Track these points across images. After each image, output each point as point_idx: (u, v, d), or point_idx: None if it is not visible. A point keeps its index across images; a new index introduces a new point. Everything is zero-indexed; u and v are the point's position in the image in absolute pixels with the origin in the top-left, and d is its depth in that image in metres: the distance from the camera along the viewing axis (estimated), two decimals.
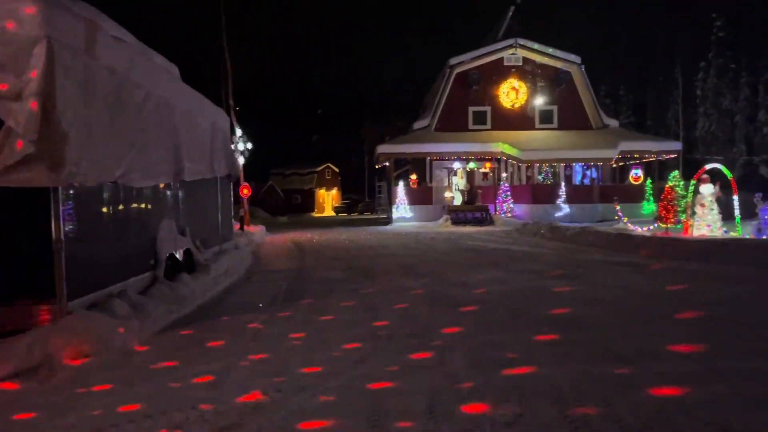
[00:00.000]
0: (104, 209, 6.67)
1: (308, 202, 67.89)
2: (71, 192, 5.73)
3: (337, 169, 73.86)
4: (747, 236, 13.49)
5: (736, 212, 14.90)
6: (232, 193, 14.99)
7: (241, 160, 25.53)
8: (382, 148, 31.78)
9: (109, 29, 6.73)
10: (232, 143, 23.66)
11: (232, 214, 15.50)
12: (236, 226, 19.97)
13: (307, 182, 69.64)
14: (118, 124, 6.47)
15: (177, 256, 8.89)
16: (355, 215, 54.91)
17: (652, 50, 49.43)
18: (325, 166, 71.58)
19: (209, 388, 4.30)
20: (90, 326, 5.39)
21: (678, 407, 3.58)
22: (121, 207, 7.10)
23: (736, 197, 14.98)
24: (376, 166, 38.83)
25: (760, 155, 39.87)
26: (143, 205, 7.90)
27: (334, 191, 73.54)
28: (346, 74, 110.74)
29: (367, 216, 49.38)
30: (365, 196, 66.54)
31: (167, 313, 7.03)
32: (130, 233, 7.34)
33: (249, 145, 26.66)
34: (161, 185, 8.54)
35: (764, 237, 13.19)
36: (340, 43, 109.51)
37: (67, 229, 5.57)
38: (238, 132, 25.96)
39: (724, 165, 16.14)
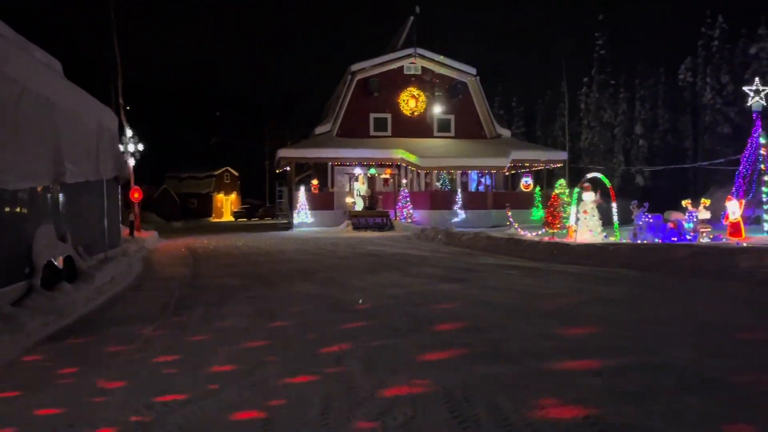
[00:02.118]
0: None
1: (206, 206, 65.66)
2: None
3: (236, 173, 72.03)
4: (624, 241, 14.57)
5: (615, 218, 16.07)
6: (120, 196, 14.21)
7: (131, 162, 24.30)
8: (284, 153, 31.40)
9: None
10: (122, 144, 22.48)
11: (121, 219, 14.70)
12: (125, 231, 18.96)
13: (204, 186, 67.34)
14: None
15: (56, 263, 8.28)
16: (255, 220, 53.80)
17: (542, 65, 52.37)
18: (223, 169, 69.59)
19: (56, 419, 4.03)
20: None
21: (557, 403, 3.78)
22: None
23: (614, 204, 16.16)
24: (277, 171, 38.25)
25: (636, 165, 43.27)
26: (18, 209, 7.30)
27: (233, 196, 71.67)
28: (246, 76, 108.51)
29: (268, 221, 48.55)
30: (266, 201, 65.41)
31: (43, 325, 6.52)
32: (2, 238, 6.75)
33: (140, 146, 25.41)
34: (39, 188, 7.94)
35: (639, 241, 14.31)
36: (241, 45, 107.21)
37: None
38: (129, 132, 24.70)
39: (605, 174, 17.37)
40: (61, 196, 8.85)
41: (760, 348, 5.04)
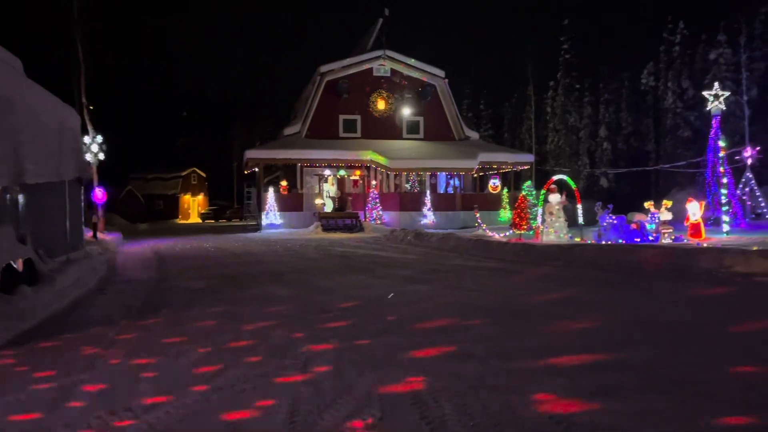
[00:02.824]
0: None
1: (172, 208, 64.56)
2: None
3: (203, 174, 71.00)
4: (589, 241, 14.84)
5: (580, 219, 16.36)
6: (83, 197, 13.89)
7: (94, 163, 23.78)
8: (252, 154, 31.14)
9: None
10: (84, 144, 22.01)
11: (83, 220, 14.37)
12: (88, 233, 18.55)
13: (170, 187, 66.20)
14: None
15: (16, 266, 8.05)
16: (222, 222, 53.17)
17: (509, 68, 53.08)
18: (190, 170, 68.52)
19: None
20: None
21: (523, 403, 3.83)
22: None
23: (580, 206, 16.45)
24: (246, 172, 37.86)
25: (600, 168, 44.14)
26: None
27: (201, 197, 70.64)
28: (214, 77, 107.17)
29: (236, 223, 48.03)
30: (234, 203, 64.68)
31: (4, 329, 6.33)
32: None
33: (104, 147, 24.89)
34: None
35: (603, 242, 14.60)
36: (209, 44, 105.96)
37: None
38: (92, 132, 24.16)
39: (570, 176, 17.68)
40: (20, 197, 8.62)
41: (719, 346, 5.19)
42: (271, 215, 29.16)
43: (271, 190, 29.87)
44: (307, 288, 9.54)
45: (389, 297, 8.25)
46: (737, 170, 24.99)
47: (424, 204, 29.28)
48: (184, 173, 67.31)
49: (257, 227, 30.55)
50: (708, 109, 17.73)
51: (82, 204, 13.81)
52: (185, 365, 5.02)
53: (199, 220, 58.70)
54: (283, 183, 32.42)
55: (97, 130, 24.73)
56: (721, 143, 17.57)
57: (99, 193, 23.28)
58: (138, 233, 31.28)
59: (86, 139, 23.00)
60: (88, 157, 22.99)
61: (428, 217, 28.73)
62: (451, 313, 7.03)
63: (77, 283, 9.87)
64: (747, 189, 24.37)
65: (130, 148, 62.52)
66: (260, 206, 30.75)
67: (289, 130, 33.38)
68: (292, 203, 30.25)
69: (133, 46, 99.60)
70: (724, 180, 17.42)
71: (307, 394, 4.14)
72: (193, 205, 68.30)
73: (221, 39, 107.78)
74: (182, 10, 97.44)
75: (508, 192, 30.66)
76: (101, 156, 24.52)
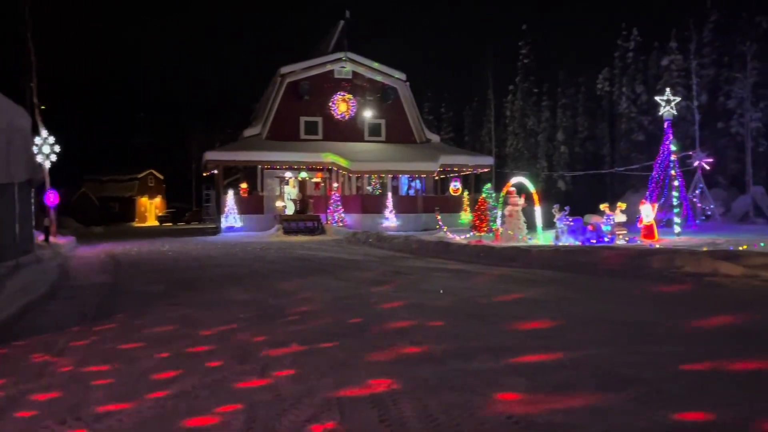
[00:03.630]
0: None
1: (128, 210, 63.11)
2: None
3: (161, 176, 69.62)
4: (546, 243, 15.11)
5: (538, 221, 16.64)
6: (33, 200, 13.44)
7: (46, 164, 23.04)
8: (211, 155, 30.69)
9: None
10: (36, 145, 21.32)
11: (34, 224, 13.90)
12: (40, 237, 17.96)
13: (127, 189, 64.70)
14: None
15: None
16: (181, 225, 52.23)
17: (470, 72, 53.67)
18: (147, 172, 67.12)
19: None
20: None
21: (482, 403, 3.87)
22: None
23: (538, 208, 16.74)
24: (205, 174, 37.29)
25: (558, 171, 45.04)
26: None
27: (158, 199, 69.23)
28: (172, 77, 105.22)
29: (195, 226, 47.25)
30: (193, 205, 63.60)
31: None
32: None
33: (57, 148, 24.12)
34: None
35: (560, 243, 14.88)
36: (167, 45, 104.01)
37: None
38: (44, 133, 23.41)
39: (529, 179, 17.97)
40: None
41: (671, 344, 5.34)
42: (231, 218, 28.77)
43: (231, 192, 29.48)
44: (268, 291, 9.44)
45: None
46: (688, 173, 25.88)
47: (385, 206, 29.34)
48: (141, 175, 65.92)
49: (217, 230, 30.10)
50: (660, 114, 18.26)
51: (33, 207, 13.35)
52: (140, 372, 4.89)
53: (157, 223, 57.52)
54: (244, 185, 32.04)
55: (51, 130, 23.95)
56: (673, 147, 18.13)
57: (51, 196, 22.55)
58: (92, 237, 30.43)
59: (38, 140, 22.26)
60: (40, 158, 22.26)
61: (390, 219, 28.80)
62: (413, 314, 7.05)
63: (27, 289, 9.53)
64: (697, 191, 25.24)
65: (85, 150, 60.96)
66: (220, 209, 30.31)
67: (249, 132, 33.01)
68: (252, 206, 29.92)
69: (90, 45, 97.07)
70: (676, 183, 17.98)
71: (266, 399, 4.08)
72: (151, 208, 66.89)
73: (180, 39, 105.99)
74: (140, 11, 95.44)
75: (468, 194, 31.00)
76: (53, 157, 23.75)
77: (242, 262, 14.59)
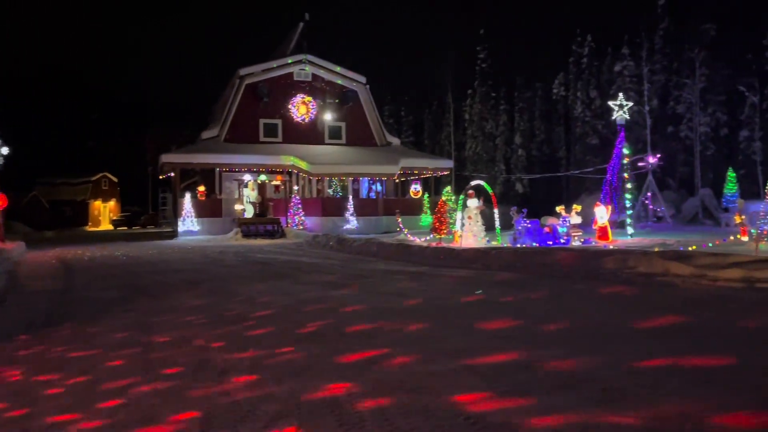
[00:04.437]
0: None
1: (81, 214, 61.26)
2: None
3: (115, 179, 67.83)
4: (505, 245, 15.33)
5: (497, 223, 16.88)
6: None
7: None
8: (167, 158, 30.10)
9: None
10: None
11: None
12: None
13: (79, 193, 62.83)
14: None
15: None
16: (136, 229, 51.04)
17: (430, 76, 54.09)
18: (101, 175, 65.32)
19: None
20: None
21: (440, 405, 3.89)
22: None
23: (496, 210, 16.98)
24: (161, 177, 36.50)
25: (516, 174, 45.76)
26: None
27: (113, 203, 67.44)
28: (127, 77, 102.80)
29: (151, 230, 46.20)
30: (149, 209, 62.19)
31: None
32: None
33: (5, 150, 23.29)
34: None
35: (518, 245, 15.12)
36: (123, 44, 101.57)
37: None
38: None
39: (487, 182, 18.23)
40: None
41: (623, 343, 5.48)
42: (188, 222, 28.26)
43: (188, 195, 28.96)
44: (225, 296, 9.31)
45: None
46: (640, 176, 26.66)
47: (346, 209, 29.29)
48: (94, 178, 64.17)
49: (173, 234, 29.52)
50: (614, 118, 18.75)
51: None
52: (92, 381, 4.76)
53: (111, 227, 56.05)
54: (201, 188, 31.52)
55: None
56: (626, 150, 18.63)
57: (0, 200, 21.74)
58: (43, 241, 29.46)
59: None
60: None
61: (351, 222, 28.76)
62: (373, 317, 7.05)
63: None
64: (649, 193, 26.00)
65: (37, 152, 58.96)
66: (176, 212, 29.73)
67: (207, 134, 32.50)
68: (210, 209, 29.46)
69: (40, 43, 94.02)
70: (629, 185, 18.50)
71: (223, 405, 4.02)
72: (104, 212, 65.15)
73: (137, 38, 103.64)
74: (94, 8, 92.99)
75: (428, 197, 31.22)
76: (0, 160, 22.92)
77: (199, 267, 14.34)
